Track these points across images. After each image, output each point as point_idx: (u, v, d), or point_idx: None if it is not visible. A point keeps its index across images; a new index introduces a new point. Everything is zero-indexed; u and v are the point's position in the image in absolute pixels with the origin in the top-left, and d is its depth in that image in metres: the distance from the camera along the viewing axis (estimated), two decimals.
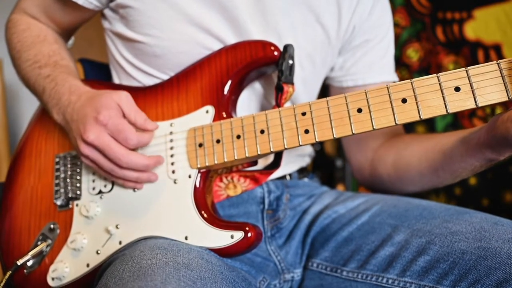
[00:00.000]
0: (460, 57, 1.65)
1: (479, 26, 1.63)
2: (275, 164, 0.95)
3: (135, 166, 0.85)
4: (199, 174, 0.88)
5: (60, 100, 0.92)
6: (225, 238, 0.83)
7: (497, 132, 0.75)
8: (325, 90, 1.16)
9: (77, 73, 1.02)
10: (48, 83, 0.95)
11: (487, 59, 1.64)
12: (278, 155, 0.95)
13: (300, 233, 1.03)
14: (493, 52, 1.60)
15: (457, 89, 0.72)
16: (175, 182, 0.89)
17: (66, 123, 0.91)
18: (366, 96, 0.77)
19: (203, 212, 0.86)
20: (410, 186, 1.06)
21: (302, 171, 1.12)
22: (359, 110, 0.77)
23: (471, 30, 1.64)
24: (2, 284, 0.90)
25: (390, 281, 0.87)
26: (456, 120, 1.66)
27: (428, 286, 0.82)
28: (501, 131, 0.74)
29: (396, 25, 1.78)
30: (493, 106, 1.60)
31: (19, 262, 0.91)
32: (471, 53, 1.64)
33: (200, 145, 0.88)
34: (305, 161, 1.14)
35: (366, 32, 1.07)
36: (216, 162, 0.87)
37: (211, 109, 0.91)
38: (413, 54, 1.76)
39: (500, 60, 0.71)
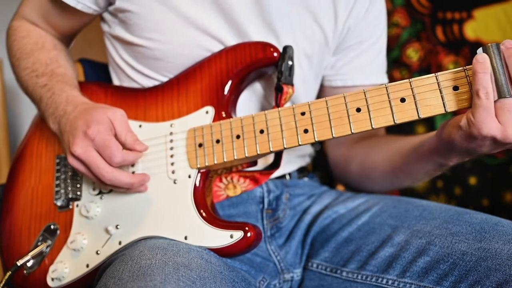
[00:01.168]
0: (460, 57, 1.65)
1: (479, 26, 1.62)
2: (275, 164, 0.95)
3: (118, 183, 0.85)
4: (199, 174, 0.88)
5: (56, 109, 0.93)
6: (225, 237, 0.83)
7: (443, 137, 0.78)
8: None
9: (75, 79, 1.03)
10: (45, 92, 0.96)
11: None
12: (278, 156, 0.95)
13: (300, 233, 1.03)
14: None
15: (456, 88, 0.72)
16: (175, 182, 0.89)
17: (60, 133, 0.92)
18: (365, 96, 0.77)
19: (202, 212, 0.86)
20: (374, 185, 1.09)
21: (302, 171, 1.12)
22: (358, 110, 0.78)
23: (471, 30, 1.64)
24: (1, 285, 0.90)
25: (390, 282, 0.87)
26: None
27: (428, 287, 0.82)
28: (445, 136, 0.77)
29: (396, 25, 1.78)
30: None
31: (19, 263, 0.91)
32: (471, 53, 1.64)
33: (200, 145, 0.88)
34: (305, 161, 1.14)
35: (360, 32, 1.07)
36: (215, 162, 0.87)
37: (211, 109, 0.91)
38: (413, 54, 1.76)
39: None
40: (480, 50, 0.71)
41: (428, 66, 1.72)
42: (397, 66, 1.79)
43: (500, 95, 0.68)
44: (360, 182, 1.12)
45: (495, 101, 0.69)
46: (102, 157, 0.85)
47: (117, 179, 0.85)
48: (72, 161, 0.87)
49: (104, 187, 0.90)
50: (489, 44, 0.71)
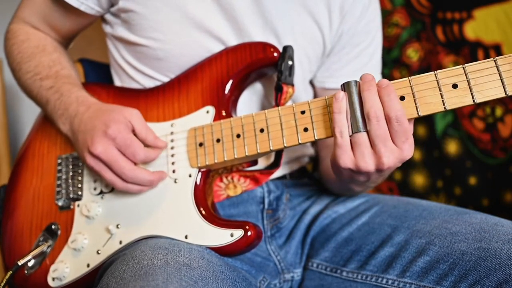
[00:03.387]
0: (460, 57, 1.65)
1: (479, 26, 1.63)
2: (275, 164, 0.95)
3: (139, 181, 0.86)
4: (200, 174, 0.89)
5: (66, 110, 0.93)
6: (225, 236, 0.83)
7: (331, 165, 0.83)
8: None
9: (78, 80, 1.03)
10: (51, 94, 0.96)
11: None
12: (278, 155, 0.95)
13: (300, 233, 1.03)
14: (493, 52, 1.60)
15: (455, 86, 0.73)
16: (175, 182, 0.89)
17: (72, 133, 0.92)
18: None
19: (203, 211, 0.86)
20: (328, 186, 1.08)
21: (302, 171, 1.13)
22: None
23: (471, 30, 1.64)
24: (2, 284, 0.90)
25: (389, 281, 0.87)
26: (456, 120, 1.67)
27: (427, 287, 0.82)
28: (330, 165, 0.82)
29: (396, 25, 1.78)
30: (493, 106, 1.60)
31: (20, 262, 0.92)
32: (471, 53, 1.64)
33: (201, 144, 0.89)
34: (305, 161, 1.14)
35: (353, 37, 1.06)
36: (216, 161, 0.87)
37: (211, 109, 0.91)
38: (413, 54, 1.76)
39: (497, 57, 0.72)
40: (341, 87, 0.77)
41: (428, 66, 1.73)
42: (397, 66, 1.79)
43: (355, 130, 0.74)
44: (325, 182, 1.10)
45: (350, 136, 0.75)
46: (124, 156, 0.85)
47: (139, 176, 0.85)
48: (90, 160, 0.87)
49: (121, 186, 0.89)
50: (349, 81, 0.76)
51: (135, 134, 0.88)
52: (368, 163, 0.74)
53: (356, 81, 0.75)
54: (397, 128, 0.72)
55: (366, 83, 0.74)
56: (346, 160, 0.75)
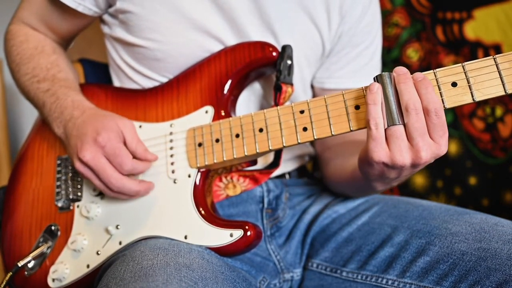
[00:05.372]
0: (460, 57, 1.65)
1: (479, 26, 1.63)
2: (275, 163, 0.95)
3: (126, 191, 0.86)
4: (199, 174, 0.89)
5: (62, 114, 0.93)
6: (225, 236, 0.83)
7: (359, 164, 0.81)
8: None
9: (77, 82, 1.03)
10: (48, 97, 0.96)
11: None
12: (278, 155, 0.95)
13: (299, 233, 1.03)
14: (493, 52, 1.60)
15: (454, 84, 0.73)
16: (174, 182, 0.89)
17: (65, 137, 0.92)
18: (364, 93, 0.77)
19: (202, 211, 0.86)
20: (337, 189, 1.06)
21: (301, 170, 1.12)
22: (357, 107, 0.78)
23: (471, 30, 1.64)
24: (2, 286, 0.90)
25: (389, 282, 0.87)
26: (456, 120, 1.67)
27: (427, 287, 0.82)
28: (359, 163, 0.81)
29: (396, 25, 1.78)
30: (493, 106, 1.60)
31: (20, 264, 0.92)
32: (471, 53, 1.64)
33: (200, 144, 0.89)
34: (305, 160, 1.14)
35: (353, 38, 1.06)
36: (215, 161, 0.87)
37: (210, 109, 0.91)
38: (413, 54, 1.76)
39: (497, 55, 0.72)
40: (374, 78, 0.75)
41: (428, 66, 1.73)
42: (397, 66, 1.79)
43: (390, 122, 0.72)
44: (330, 185, 1.08)
45: (386, 129, 0.72)
46: (112, 165, 0.85)
47: (125, 186, 0.85)
48: (79, 166, 0.87)
49: (110, 194, 0.89)
50: (383, 73, 0.74)
51: (126, 145, 0.88)
52: (405, 157, 0.71)
53: (389, 73, 0.74)
54: (436, 121, 0.70)
55: (401, 76, 0.72)
56: (381, 154, 0.72)
